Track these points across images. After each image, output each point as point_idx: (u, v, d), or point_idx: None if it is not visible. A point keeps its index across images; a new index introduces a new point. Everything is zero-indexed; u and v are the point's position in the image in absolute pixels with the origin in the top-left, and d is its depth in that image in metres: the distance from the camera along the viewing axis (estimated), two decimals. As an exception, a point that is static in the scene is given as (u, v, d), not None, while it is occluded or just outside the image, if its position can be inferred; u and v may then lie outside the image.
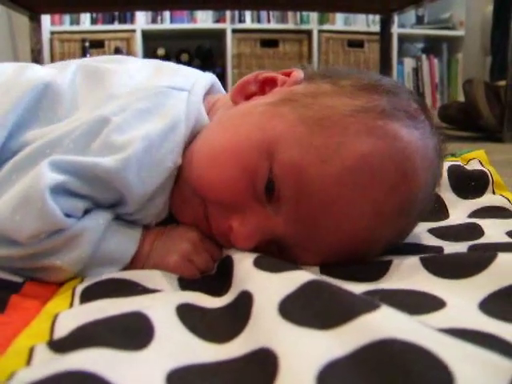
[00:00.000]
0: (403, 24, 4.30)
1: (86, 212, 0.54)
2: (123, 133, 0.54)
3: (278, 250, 0.56)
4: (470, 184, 0.88)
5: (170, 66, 0.70)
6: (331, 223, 0.52)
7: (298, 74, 0.61)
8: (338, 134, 0.52)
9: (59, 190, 0.51)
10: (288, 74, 0.62)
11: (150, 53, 4.06)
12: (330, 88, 0.57)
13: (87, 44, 3.92)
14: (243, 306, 0.43)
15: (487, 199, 0.85)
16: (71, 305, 0.49)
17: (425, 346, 0.31)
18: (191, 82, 0.62)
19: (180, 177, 0.58)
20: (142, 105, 0.57)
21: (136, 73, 0.65)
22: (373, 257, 0.58)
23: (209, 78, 0.68)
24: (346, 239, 0.53)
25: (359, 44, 4.18)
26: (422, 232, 0.69)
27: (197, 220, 0.58)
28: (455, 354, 0.31)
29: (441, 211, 0.82)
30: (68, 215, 0.51)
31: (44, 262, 0.53)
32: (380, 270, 0.54)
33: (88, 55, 3.77)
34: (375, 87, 0.57)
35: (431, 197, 0.60)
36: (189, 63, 3.84)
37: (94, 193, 0.53)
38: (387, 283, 0.51)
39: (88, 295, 0.50)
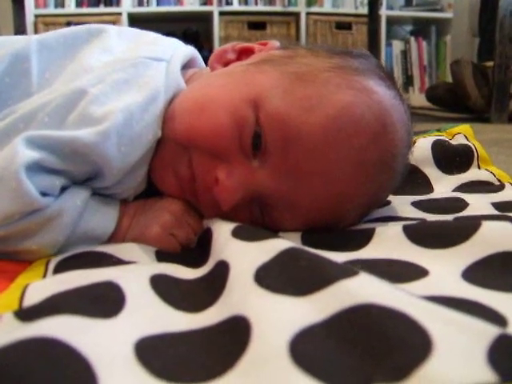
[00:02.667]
0: (391, 6, 4.27)
1: (63, 189, 0.52)
2: (101, 104, 0.52)
3: (261, 211, 0.55)
4: (455, 159, 0.87)
5: (149, 36, 0.68)
6: (316, 171, 0.52)
7: (274, 43, 0.63)
8: (319, 86, 0.53)
9: (35, 168, 0.48)
10: (264, 45, 0.64)
11: (136, 36, 4.01)
12: (306, 52, 0.60)
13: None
14: (219, 275, 0.42)
15: (472, 174, 0.85)
16: (44, 277, 0.48)
17: (404, 310, 0.30)
18: (170, 53, 0.61)
19: (161, 141, 0.56)
20: (120, 76, 0.55)
21: (113, 46, 0.62)
22: (357, 216, 0.58)
23: (188, 49, 0.67)
24: (330, 191, 0.53)
25: (347, 26, 4.15)
26: (405, 204, 0.68)
27: (180, 182, 0.56)
28: (435, 319, 0.30)
29: (425, 185, 0.81)
30: (44, 194, 0.49)
31: (19, 246, 0.51)
32: (362, 239, 0.52)
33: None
34: (347, 52, 0.60)
35: (407, 159, 0.61)
36: (176, 46, 3.80)
37: (71, 168, 0.51)
38: (369, 252, 0.50)
39: (62, 268, 0.49)
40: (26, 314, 0.36)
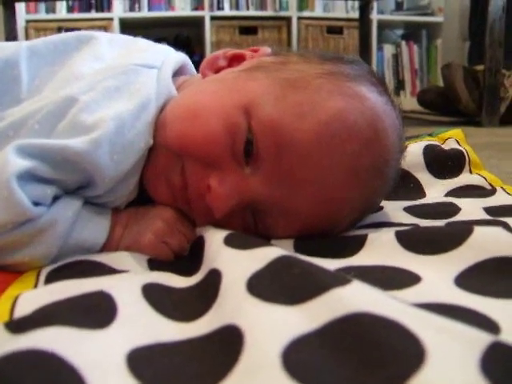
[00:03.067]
0: (382, 10, 4.29)
1: (54, 199, 0.51)
2: (92, 112, 0.52)
3: (254, 218, 0.55)
4: (446, 164, 0.87)
5: (140, 42, 0.68)
6: (310, 178, 0.52)
7: (266, 49, 0.63)
8: (311, 92, 0.54)
9: (26, 177, 0.48)
10: (255, 51, 0.64)
11: (127, 41, 4.01)
12: (298, 58, 0.60)
13: (63, 33, 3.86)
14: (212, 284, 0.42)
15: (464, 178, 0.85)
16: (35, 287, 0.47)
17: (396, 319, 0.30)
18: (161, 60, 0.61)
19: (153, 148, 0.56)
20: (111, 83, 0.55)
21: (104, 53, 0.62)
22: (350, 222, 0.58)
23: (180, 56, 0.67)
24: (324, 197, 0.53)
25: (338, 31, 4.17)
26: (397, 210, 0.68)
27: (172, 190, 0.56)
28: (427, 327, 0.29)
29: (416, 190, 0.81)
30: (36, 203, 0.49)
31: (10, 259, 0.51)
32: (355, 245, 0.52)
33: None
34: (339, 58, 0.61)
35: (400, 164, 0.61)
36: (167, 51, 3.80)
37: (63, 176, 0.51)
38: (362, 259, 0.50)
39: (53, 277, 0.48)
40: (17, 326, 0.35)
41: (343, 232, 0.58)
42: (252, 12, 4.14)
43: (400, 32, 4.58)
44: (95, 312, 0.36)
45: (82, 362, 0.30)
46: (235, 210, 0.53)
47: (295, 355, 0.29)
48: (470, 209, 0.66)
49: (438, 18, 4.23)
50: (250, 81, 0.56)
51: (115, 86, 0.55)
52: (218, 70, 0.62)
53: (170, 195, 0.57)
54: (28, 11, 3.92)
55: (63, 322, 0.34)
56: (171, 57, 0.64)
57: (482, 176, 0.84)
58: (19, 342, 0.31)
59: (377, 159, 0.54)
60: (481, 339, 0.28)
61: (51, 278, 0.48)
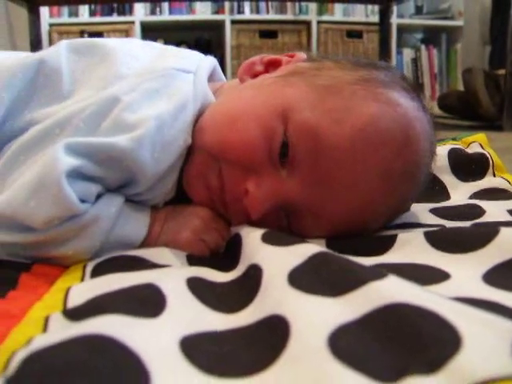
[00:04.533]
0: (402, 14, 4.29)
1: (98, 196, 0.54)
2: (134, 112, 0.54)
3: (288, 219, 0.57)
4: (470, 167, 0.89)
5: (173, 48, 0.71)
6: (344, 182, 0.54)
7: (301, 55, 0.66)
8: (346, 98, 0.55)
9: (74, 175, 0.50)
10: (291, 56, 0.66)
11: (148, 44, 4.05)
12: (332, 64, 0.61)
13: (86, 36, 3.91)
14: (252, 278, 0.44)
15: (488, 181, 0.86)
16: (82, 280, 0.50)
17: (433, 309, 0.32)
18: (195, 65, 0.63)
19: (192, 150, 0.58)
20: (151, 85, 0.57)
21: (140, 53, 0.65)
22: (380, 224, 0.60)
23: (211, 61, 0.69)
24: (357, 200, 0.55)
25: (358, 35, 4.18)
26: (424, 211, 0.70)
27: (210, 191, 0.58)
28: (462, 317, 0.31)
29: (442, 193, 0.83)
30: (81, 200, 0.51)
31: (55, 252, 0.53)
32: (385, 244, 0.55)
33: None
34: (372, 64, 0.62)
35: (430, 168, 0.63)
36: (188, 54, 3.83)
37: (107, 174, 0.53)
38: (392, 257, 0.52)
39: (98, 271, 0.51)
40: (74, 314, 0.38)
41: (373, 233, 0.60)
42: (272, 16, 4.17)
43: (420, 36, 4.58)
44: (146, 302, 0.38)
45: (140, 347, 0.32)
46: (270, 212, 0.55)
47: (340, 341, 0.31)
48: (495, 211, 0.68)
49: (458, 22, 4.22)
50: (286, 87, 0.58)
51: (155, 88, 0.57)
52: (255, 75, 0.65)
53: (207, 196, 0.59)
54: (51, 15, 3.98)
55: (117, 311, 0.36)
56: (204, 62, 0.66)
57: (505, 179, 0.86)
58: (78, 328, 0.33)
59: (408, 164, 0.56)
60: (511, 328, 0.30)
61: (97, 272, 0.51)
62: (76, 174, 0.51)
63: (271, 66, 0.65)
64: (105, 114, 0.54)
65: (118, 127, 0.53)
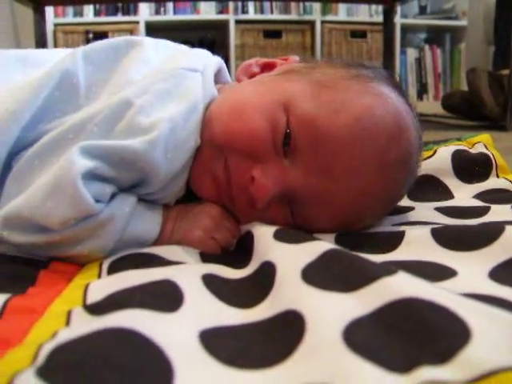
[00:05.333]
0: (406, 14, 4.30)
1: (112, 196, 0.55)
2: (148, 115, 0.55)
3: (292, 211, 0.59)
4: (474, 169, 0.89)
5: (182, 47, 0.72)
6: (344, 168, 0.56)
7: (295, 57, 0.70)
8: (341, 91, 0.59)
9: (89, 176, 0.52)
10: (285, 59, 0.70)
11: (153, 44, 4.06)
12: (325, 64, 0.66)
13: (91, 36, 3.93)
14: (266, 275, 0.45)
15: (491, 182, 0.87)
16: (99, 277, 0.51)
17: (442, 303, 0.34)
18: (203, 63, 0.65)
19: (198, 148, 0.60)
20: (162, 86, 0.59)
21: (152, 57, 0.66)
22: (381, 211, 0.64)
23: (217, 60, 0.71)
24: (356, 187, 0.57)
25: (362, 34, 4.19)
26: (429, 210, 0.71)
27: (217, 185, 0.60)
28: (471, 311, 0.33)
29: (445, 194, 0.84)
30: (96, 200, 0.52)
31: (71, 251, 0.55)
32: (393, 242, 0.56)
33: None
34: (360, 64, 0.67)
35: (420, 159, 0.66)
36: (192, 54, 3.84)
37: (121, 175, 0.55)
38: (400, 255, 0.53)
39: (115, 268, 0.52)
40: (96, 309, 0.39)
41: (377, 221, 0.64)
42: (276, 16, 4.18)
43: (423, 36, 4.58)
44: (164, 297, 0.40)
45: (162, 339, 0.33)
46: (275, 201, 0.58)
47: (354, 334, 0.33)
48: (499, 208, 0.69)
49: (462, 22, 4.22)
50: (286, 82, 0.62)
51: (166, 89, 0.59)
52: (252, 76, 0.68)
53: (215, 191, 0.61)
54: (56, 15, 3.99)
55: (137, 305, 0.37)
56: (211, 61, 0.68)
57: (509, 180, 0.87)
58: (101, 322, 0.35)
59: (402, 152, 0.59)
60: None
61: (113, 269, 0.52)
62: (91, 176, 0.52)
63: (266, 68, 0.69)
64: (118, 118, 0.55)
65: (132, 130, 0.55)
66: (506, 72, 2.19)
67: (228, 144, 0.59)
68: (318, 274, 0.41)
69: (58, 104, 0.60)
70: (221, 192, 0.60)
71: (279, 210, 0.59)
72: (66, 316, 0.40)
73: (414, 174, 0.65)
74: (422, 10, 4.41)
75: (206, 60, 0.67)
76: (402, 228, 0.60)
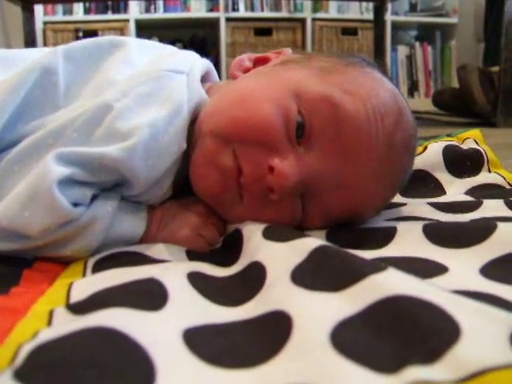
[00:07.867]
0: (397, 11, 4.30)
1: (93, 197, 0.54)
2: (127, 120, 0.54)
3: (303, 204, 0.57)
4: (465, 163, 0.89)
5: (168, 48, 0.71)
6: (361, 149, 0.55)
7: (288, 49, 0.69)
8: (345, 75, 0.59)
9: (66, 182, 0.51)
10: (279, 53, 0.68)
11: (143, 42, 4.04)
12: (319, 54, 0.66)
13: (80, 34, 3.90)
14: (255, 276, 0.44)
15: (483, 177, 0.87)
16: (84, 275, 0.51)
17: (432, 301, 0.33)
18: (189, 65, 0.63)
19: (199, 140, 0.58)
20: (143, 89, 0.57)
21: (136, 59, 0.64)
22: (389, 195, 0.64)
23: (205, 62, 0.69)
24: (370, 168, 0.56)
25: (353, 32, 4.19)
26: (422, 205, 0.70)
27: (225, 175, 0.56)
28: (460, 308, 0.32)
29: (437, 189, 0.84)
30: (76, 204, 0.52)
31: (55, 253, 0.54)
32: (385, 238, 0.55)
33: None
34: (351, 55, 0.66)
35: (416, 142, 0.65)
36: (183, 52, 3.83)
37: (100, 179, 0.53)
38: (391, 251, 0.53)
39: (99, 267, 0.51)
40: (78, 308, 0.39)
41: (383, 205, 0.64)
42: (267, 13, 4.17)
43: (414, 33, 4.59)
44: (148, 296, 0.39)
45: (144, 338, 0.33)
46: (292, 192, 0.55)
47: (342, 335, 0.32)
48: (492, 204, 0.69)
49: (453, 19, 4.23)
50: (288, 71, 0.60)
51: (147, 92, 0.56)
52: (246, 71, 0.66)
53: (221, 183, 0.57)
54: (45, 13, 3.96)
55: (120, 304, 0.36)
56: (198, 63, 0.66)
57: (500, 175, 0.86)
58: (83, 321, 0.34)
59: (406, 133, 0.59)
60: (509, 319, 0.31)
61: (98, 268, 0.51)
62: (68, 181, 0.51)
63: (259, 62, 0.67)
64: (97, 123, 0.54)
65: (111, 136, 0.53)
66: (496, 69, 2.19)
67: (238, 134, 0.56)
68: (305, 274, 0.40)
69: (38, 103, 0.58)
70: (228, 183, 0.57)
71: (290, 203, 0.56)
72: (48, 316, 0.39)
73: (412, 163, 0.64)
74: (413, 8, 4.41)
75: (192, 62, 0.64)
76: (393, 224, 0.59)
